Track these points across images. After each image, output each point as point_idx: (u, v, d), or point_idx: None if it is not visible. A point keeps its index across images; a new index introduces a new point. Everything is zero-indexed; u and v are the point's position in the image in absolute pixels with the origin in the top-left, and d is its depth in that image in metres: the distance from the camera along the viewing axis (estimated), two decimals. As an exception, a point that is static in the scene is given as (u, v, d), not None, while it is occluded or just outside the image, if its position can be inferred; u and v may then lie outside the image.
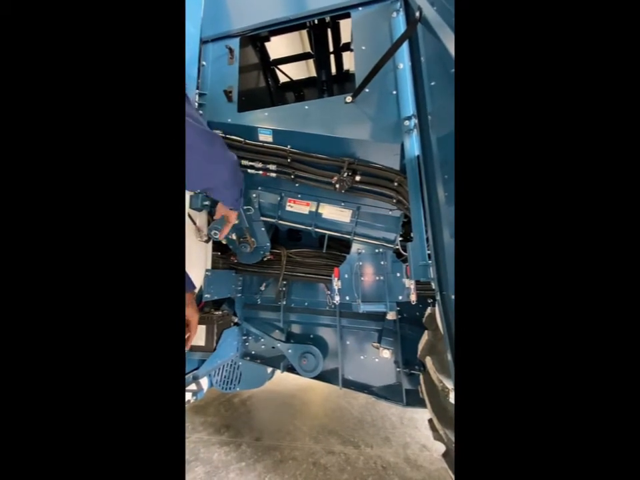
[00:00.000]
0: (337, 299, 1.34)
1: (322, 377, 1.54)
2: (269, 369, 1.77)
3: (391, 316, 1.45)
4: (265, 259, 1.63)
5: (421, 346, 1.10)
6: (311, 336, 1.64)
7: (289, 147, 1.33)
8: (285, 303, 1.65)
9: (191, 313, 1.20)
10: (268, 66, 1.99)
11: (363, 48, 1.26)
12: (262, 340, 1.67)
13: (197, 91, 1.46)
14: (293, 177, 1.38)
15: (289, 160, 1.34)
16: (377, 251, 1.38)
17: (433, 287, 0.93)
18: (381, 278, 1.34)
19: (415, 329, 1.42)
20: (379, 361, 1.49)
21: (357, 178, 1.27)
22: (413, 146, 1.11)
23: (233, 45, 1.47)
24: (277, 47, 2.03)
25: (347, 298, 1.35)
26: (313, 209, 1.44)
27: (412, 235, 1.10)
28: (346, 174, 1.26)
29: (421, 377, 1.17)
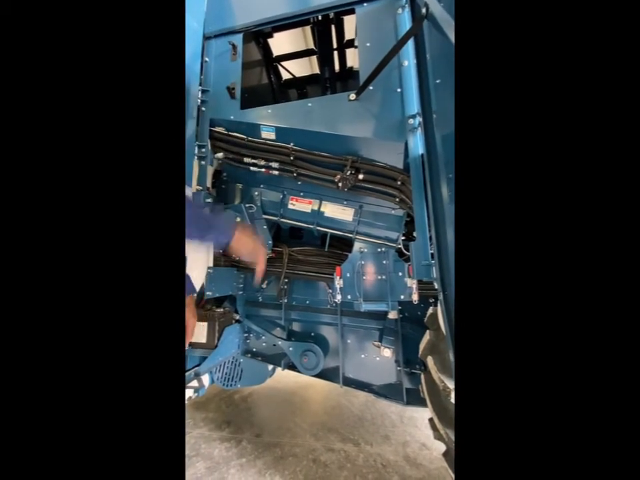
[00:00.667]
0: (339, 297, 1.33)
1: (323, 374, 1.54)
2: (270, 367, 1.77)
3: (393, 315, 1.45)
4: (267, 257, 1.63)
5: (422, 345, 1.10)
6: (312, 334, 1.64)
7: (291, 144, 1.33)
8: (286, 300, 1.65)
9: (188, 317, 1.20)
10: (271, 62, 1.98)
11: (367, 45, 1.25)
12: (263, 337, 1.67)
13: (200, 87, 1.46)
14: (295, 174, 1.37)
15: (291, 158, 1.33)
16: (379, 250, 1.37)
17: (436, 287, 0.93)
18: (383, 277, 1.34)
19: (416, 328, 1.42)
20: (379, 359, 1.49)
21: (360, 176, 1.27)
22: (417, 144, 1.10)
23: (236, 41, 1.46)
24: (280, 43, 2.02)
25: (349, 296, 1.34)
26: (316, 207, 1.44)
27: (415, 234, 1.09)
28: (349, 172, 1.25)
29: (422, 376, 1.17)
